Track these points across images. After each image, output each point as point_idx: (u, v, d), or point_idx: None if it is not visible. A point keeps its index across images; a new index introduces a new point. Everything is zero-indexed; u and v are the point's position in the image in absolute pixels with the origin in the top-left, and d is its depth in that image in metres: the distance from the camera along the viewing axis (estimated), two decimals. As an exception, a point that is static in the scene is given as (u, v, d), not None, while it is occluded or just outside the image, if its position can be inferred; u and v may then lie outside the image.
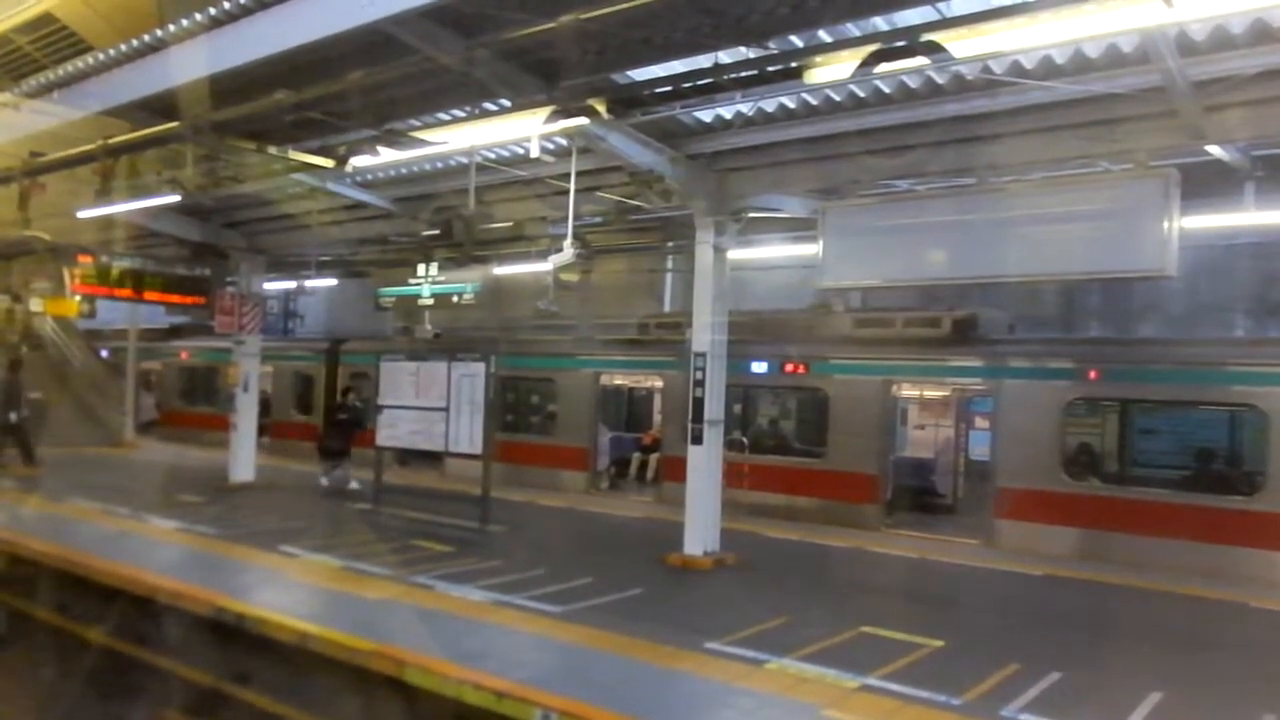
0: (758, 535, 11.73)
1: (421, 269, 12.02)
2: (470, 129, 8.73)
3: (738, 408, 14.34)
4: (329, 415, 16.10)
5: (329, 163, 9.88)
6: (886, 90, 8.20)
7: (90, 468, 16.64)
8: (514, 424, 17.19)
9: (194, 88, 8.32)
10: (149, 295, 13.73)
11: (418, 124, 9.26)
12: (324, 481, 14.69)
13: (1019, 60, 7.32)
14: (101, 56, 9.08)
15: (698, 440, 10.12)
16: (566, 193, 10.09)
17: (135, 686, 7.83)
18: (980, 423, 14.08)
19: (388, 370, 12.90)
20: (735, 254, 10.88)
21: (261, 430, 16.86)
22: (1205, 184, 8.46)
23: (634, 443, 17.15)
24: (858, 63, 6.21)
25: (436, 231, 11.13)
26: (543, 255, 11.69)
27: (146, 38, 8.53)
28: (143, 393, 23.26)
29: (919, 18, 6.48)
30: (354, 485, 14.42)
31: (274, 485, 15.02)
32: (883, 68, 6.26)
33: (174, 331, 23.93)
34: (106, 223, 13.31)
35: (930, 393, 15.06)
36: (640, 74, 8.13)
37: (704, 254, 10.10)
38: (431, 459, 15.45)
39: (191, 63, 8.05)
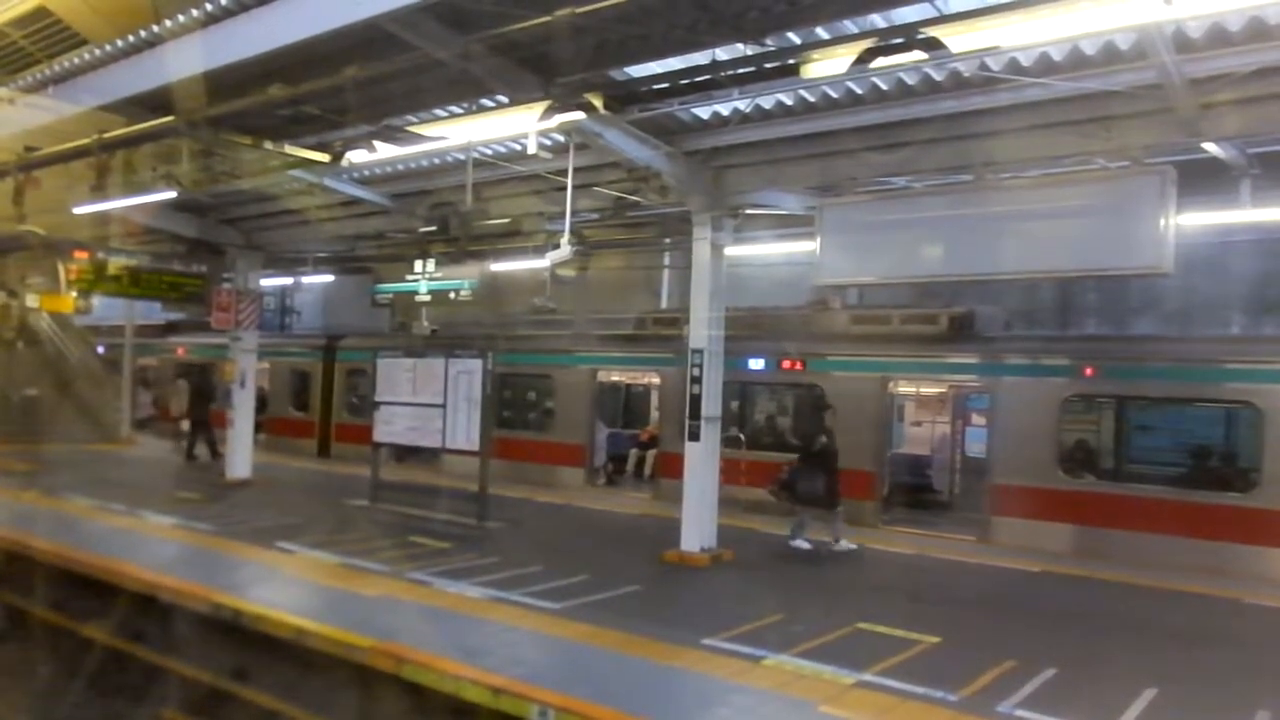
0: (755, 531, 11.74)
1: (419, 265, 12.01)
2: (467, 125, 8.72)
3: (735, 404, 14.35)
4: (802, 449, 11.12)
5: (325, 158, 9.86)
6: (883, 87, 8.20)
7: (87, 464, 16.61)
8: (511, 420, 17.19)
9: (189, 83, 8.28)
10: (145, 291, 13.70)
11: (414, 120, 9.24)
12: (799, 544, 10.48)
13: (1016, 57, 7.32)
14: (97, 51, 9.05)
15: (695, 437, 10.13)
16: (564, 189, 10.08)
17: (132, 683, 7.82)
18: (977, 419, 14.10)
19: (384, 367, 12.89)
20: (732, 250, 10.88)
21: (258, 427, 16.86)
22: (1201, 181, 8.46)
23: (631, 439, 17.16)
24: (854, 59, 6.21)
25: (433, 228, 11.12)
26: (540, 251, 11.68)
27: (142, 33, 8.51)
28: (139, 389, 23.22)
29: (916, 14, 6.48)
30: (846, 545, 10.48)
31: (271, 482, 15.00)
32: (879, 64, 6.26)
33: (171, 327, 23.91)
34: (102, 219, 13.26)
35: (927, 389, 15.07)
36: (637, 70, 8.13)
37: (701, 250, 10.10)
38: (428, 455, 15.43)
39: (187, 58, 8.02)
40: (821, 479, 10.51)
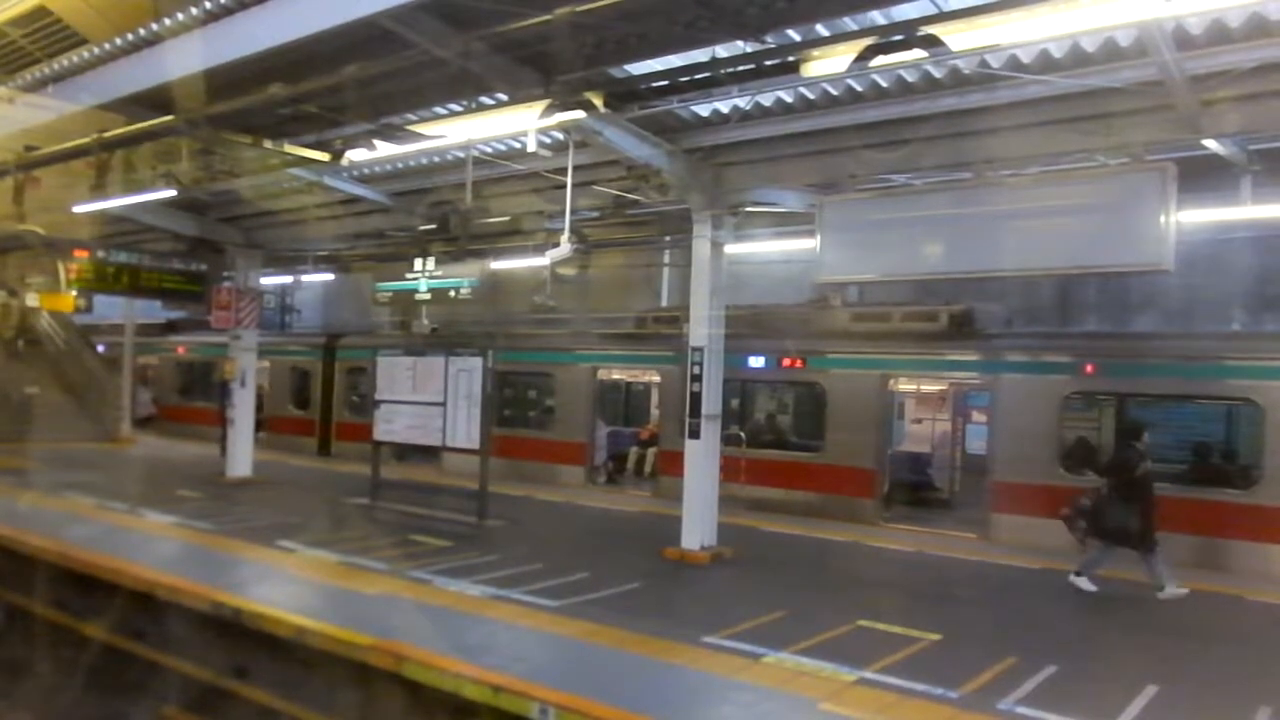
0: (755, 529, 11.74)
1: (418, 264, 12.00)
2: (467, 123, 8.70)
3: (735, 402, 14.34)
4: (1113, 476, 9.08)
5: (325, 157, 9.85)
6: (883, 85, 8.19)
7: (87, 463, 16.61)
8: (511, 419, 17.19)
9: (189, 82, 8.29)
10: (145, 290, 13.70)
11: (414, 118, 9.23)
12: (1083, 583, 8.94)
13: (1016, 54, 7.32)
14: (96, 50, 9.05)
15: (695, 435, 10.12)
16: (563, 187, 10.08)
17: (132, 682, 7.83)
18: (977, 417, 14.10)
19: (385, 365, 12.89)
20: (732, 248, 10.87)
21: (259, 425, 16.85)
22: (1202, 178, 8.46)
23: (631, 437, 17.17)
24: (854, 56, 6.20)
25: (433, 226, 11.11)
26: (540, 250, 11.67)
27: (141, 31, 8.50)
28: (139, 388, 23.24)
29: (916, 11, 6.48)
30: (1174, 590, 8.69)
31: (272, 480, 15.01)
32: (879, 61, 6.25)
33: (170, 326, 23.92)
34: (102, 217, 13.26)
35: (927, 387, 15.07)
36: (637, 68, 8.12)
37: (701, 248, 10.09)
38: (429, 454, 15.42)
39: (186, 57, 8.02)
40: (1138, 512, 8.79)
